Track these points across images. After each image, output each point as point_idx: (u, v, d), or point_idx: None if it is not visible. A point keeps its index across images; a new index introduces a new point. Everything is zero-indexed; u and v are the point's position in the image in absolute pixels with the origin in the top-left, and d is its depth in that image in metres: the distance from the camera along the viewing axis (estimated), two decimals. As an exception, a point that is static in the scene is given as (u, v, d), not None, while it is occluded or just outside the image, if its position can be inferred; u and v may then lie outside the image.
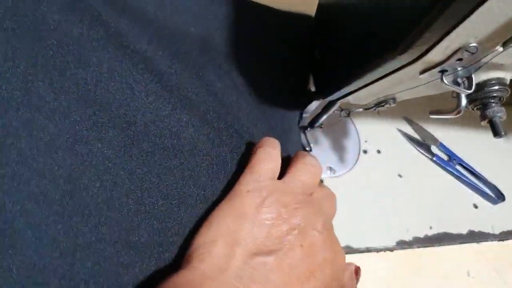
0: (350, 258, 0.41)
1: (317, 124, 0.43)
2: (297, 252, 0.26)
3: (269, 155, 0.29)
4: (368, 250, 0.43)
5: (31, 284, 0.22)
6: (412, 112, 0.55)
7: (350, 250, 0.42)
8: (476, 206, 0.52)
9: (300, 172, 0.30)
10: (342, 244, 0.41)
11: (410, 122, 0.54)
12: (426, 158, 0.53)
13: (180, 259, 0.26)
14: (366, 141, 0.50)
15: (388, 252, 0.44)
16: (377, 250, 0.44)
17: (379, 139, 0.51)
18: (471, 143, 0.57)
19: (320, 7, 0.36)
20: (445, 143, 0.54)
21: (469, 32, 0.23)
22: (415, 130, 0.54)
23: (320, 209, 0.29)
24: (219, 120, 0.30)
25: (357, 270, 0.32)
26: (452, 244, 0.48)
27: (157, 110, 0.27)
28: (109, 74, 0.26)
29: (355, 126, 0.50)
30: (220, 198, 0.28)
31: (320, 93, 0.36)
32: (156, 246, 0.26)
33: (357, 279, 0.32)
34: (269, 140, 0.30)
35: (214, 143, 0.30)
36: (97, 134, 0.25)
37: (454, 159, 0.54)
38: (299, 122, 0.45)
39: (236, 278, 0.23)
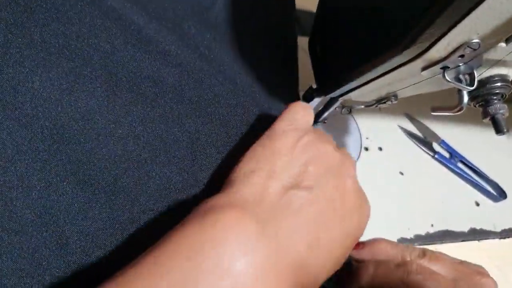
0: (351, 256, 0.42)
1: (319, 120, 0.43)
2: (331, 192, 0.27)
3: (305, 108, 0.30)
4: (369, 247, 0.43)
5: None
6: (414, 109, 0.55)
7: (351, 247, 0.42)
8: (477, 204, 0.51)
9: (325, 136, 0.31)
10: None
11: (411, 119, 0.54)
12: (427, 155, 0.52)
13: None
14: (367, 138, 0.50)
15: (389, 249, 0.44)
16: (379, 248, 0.43)
17: (380, 136, 0.51)
18: (472, 140, 0.56)
19: (321, 2, 0.36)
20: (446, 140, 0.54)
21: (472, 28, 0.22)
22: (417, 127, 0.54)
23: (351, 162, 0.31)
24: (201, 70, 0.31)
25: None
26: (453, 242, 0.47)
27: (137, 61, 0.28)
28: (89, 29, 0.27)
29: (356, 123, 0.50)
30: (207, 139, 0.30)
31: (322, 90, 0.36)
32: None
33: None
34: (303, 103, 0.32)
35: (195, 91, 0.30)
36: (81, 86, 0.26)
37: (456, 157, 0.53)
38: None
39: (270, 209, 0.25)
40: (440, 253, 0.37)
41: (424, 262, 0.34)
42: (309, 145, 0.28)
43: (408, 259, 0.35)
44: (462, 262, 0.36)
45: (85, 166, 0.25)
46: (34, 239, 0.23)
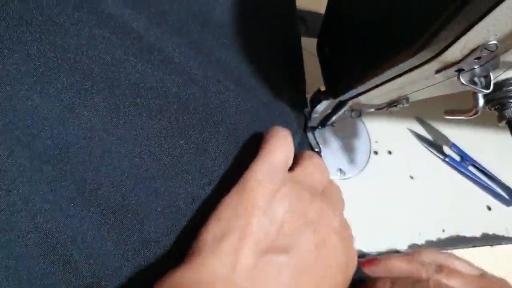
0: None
1: (328, 124, 0.42)
2: (311, 253, 0.24)
3: (283, 145, 0.27)
4: (379, 254, 0.42)
5: None
6: (424, 112, 0.54)
7: (360, 254, 0.41)
8: (489, 208, 0.50)
9: (310, 168, 0.29)
10: (353, 248, 0.40)
11: (421, 122, 0.53)
12: (438, 159, 0.51)
13: (181, 237, 0.25)
14: (376, 142, 0.49)
15: (399, 255, 0.43)
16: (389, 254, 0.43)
17: (390, 140, 0.50)
18: (484, 144, 0.55)
19: (330, 3, 0.35)
20: (457, 144, 0.53)
21: (489, 29, 0.21)
22: (427, 131, 0.53)
23: (334, 206, 0.28)
24: (205, 77, 0.30)
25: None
26: (465, 247, 0.46)
27: (139, 72, 0.27)
28: (88, 41, 0.26)
29: (365, 126, 0.49)
30: (215, 150, 0.28)
31: (331, 93, 0.35)
32: (151, 209, 0.25)
33: None
34: (281, 129, 0.28)
35: (201, 100, 0.29)
36: (82, 101, 0.25)
37: (467, 160, 0.52)
38: (307, 122, 0.44)
39: (247, 277, 0.22)
40: (457, 267, 0.36)
41: (442, 278, 0.33)
42: (287, 197, 0.25)
43: (425, 275, 0.33)
44: (482, 276, 0.35)
45: (91, 186, 0.24)
46: (41, 264, 0.22)
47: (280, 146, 0.27)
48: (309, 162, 0.29)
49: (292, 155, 0.28)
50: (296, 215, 0.25)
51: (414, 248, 0.43)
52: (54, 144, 0.24)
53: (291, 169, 0.29)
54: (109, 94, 0.26)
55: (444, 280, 0.33)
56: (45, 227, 0.23)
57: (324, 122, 0.43)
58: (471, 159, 0.53)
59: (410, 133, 0.52)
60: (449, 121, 0.54)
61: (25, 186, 0.23)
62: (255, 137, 0.30)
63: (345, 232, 0.28)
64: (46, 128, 0.24)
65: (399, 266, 0.34)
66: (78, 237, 0.23)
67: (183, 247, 0.24)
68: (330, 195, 0.29)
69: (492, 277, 0.35)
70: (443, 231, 0.46)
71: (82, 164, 0.24)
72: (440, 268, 0.34)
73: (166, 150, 0.27)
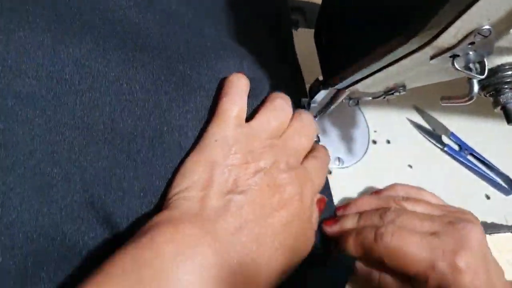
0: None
1: (326, 113, 0.42)
2: (264, 191, 0.28)
3: (233, 102, 0.30)
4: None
5: None
6: (423, 101, 0.54)
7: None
8: (488, 197, 0.51)
9: (266, 116, 0.32)
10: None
11: (420, 111, 0.53)
12: (436, 148, 0.52)
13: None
14: (375, 131, 0.49)
15: (398, 243, 0.43)
16: (387, 242, 0.43)
17: (388, 129, 0.50)
18: (482, 133, 0.55)
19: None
20: (456, 133, 0.53)
21: (482, 13, 0.22)
22: (426, 120, 0.53)
23: (288, 150, 0.32)
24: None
25: (320, 201, 0.34)
26: (463, 235, 0.47)
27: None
28: None
29: (364, 116, 0.50)
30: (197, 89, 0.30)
31: (329, 82, 0.35)
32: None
33: (320, 210, 0.34)
34: (233, 86, 0.31)
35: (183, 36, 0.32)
36: (70, 37, 0.27)
37: (466, 149, 0.53)
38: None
39: (213, 213, 0.26)
40: (424, 197, 0.39)
41: (408, 206, 0.36)
42: (241, 152, 0.29)
43: (392, 204, 0.36)
44: (446, 206, 0.38)
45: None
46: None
47: (231, 105, 0.30)
48: (267, 111, 0.32)
49: (244, 107, 0.31)
50: (249, 165, 0.29)
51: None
52: (47, 74, 0.26)
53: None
54: (95, 30, 0.28)
55: (410, 207, 0.35)
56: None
57: (322, 111, 0.43)
58: (470, 148, 0.53)
59: (408, 123, 0.52)
60: (448, 110, 0.54)
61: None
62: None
63: (297, 170, 0.31)
64: (34, 61, 0.25)
65: (369, 203, 0.38)
66: (76, 161, 0.26)
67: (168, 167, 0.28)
68: (288, 140, 0.32)
69: (458, 208, 0.37)
70: (442, 219, 0.46)
71: (76, 96, 0.26)
72: (406, 198, 0.37)
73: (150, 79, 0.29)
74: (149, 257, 0.22)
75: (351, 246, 0.34)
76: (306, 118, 0.34)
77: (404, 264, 0.32)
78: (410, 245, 0.32)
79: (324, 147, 0.36)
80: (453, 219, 0.34)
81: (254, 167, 0.29)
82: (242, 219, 0.26)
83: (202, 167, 0.28)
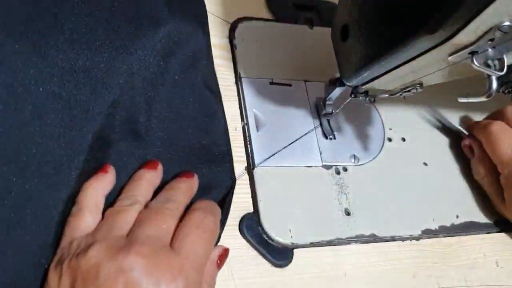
0: (375, 247, 0.41)
1: (338, 110, 0.43)
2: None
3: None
4: (393, 239, 0.42)
5: None
6: (438, 99, 0.54)
7: (375, 239, 0.42)
8: (503, 195, 0.50)
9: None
10: (367, 232, 0.41)
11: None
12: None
13: None
14: (390, 129, 0.49)
15: (413, 241, 0.43)
16: (403, 239, 0.43)
17: (403, 127, 0.50)
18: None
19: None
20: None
21: (503, 10, 0.22)
22: (441, 117, 0.53)
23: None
24: None
25: (221, 256, 0.32)
26: (479, 233, 0.47)
27: None
28: None
29: (379, 113, 0.50)
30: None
31: (345, 79, 0.35)
32: None
33: (220, 265, 0.32)
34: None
35: None
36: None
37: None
38: (321, 109, 0.45)
39: None
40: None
41: None
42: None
43: None
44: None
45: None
46: None
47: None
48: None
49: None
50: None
51: (428, 234, 0.44)
52: None
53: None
54: None
55: None
56: None
57: (337, 108, 0.43)
58: (486, 146, 0.52)
59: (424, 120, 0.52)
60: (463, 108, 0.54)
61: None
62: None
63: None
64: None
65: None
66: None
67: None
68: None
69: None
70: (457, 217, 0.46)
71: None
72: None
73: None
74: None
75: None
76: None
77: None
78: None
79: None
80: None
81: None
82: None
83: None
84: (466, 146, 0.50)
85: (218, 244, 0.34)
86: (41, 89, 0.30)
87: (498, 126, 0.45)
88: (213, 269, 0.31)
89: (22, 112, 0.29)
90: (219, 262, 0.32)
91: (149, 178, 0.33)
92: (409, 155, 0.49)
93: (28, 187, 0.29)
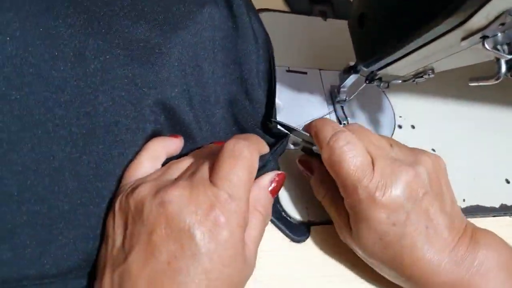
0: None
1: (352, 97, 0.45)
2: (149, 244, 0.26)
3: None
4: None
5: None
6: (446, 87, 0.56)
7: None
8: (508, 181, 0.52)
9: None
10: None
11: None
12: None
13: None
14: (400, 117, 0.51)
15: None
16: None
17: (413, 114, 0.52)
18: (504, 118, 0.57)
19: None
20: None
21: (513, -5, 0.24)
22: (449, 105, 0.55)
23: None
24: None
25: (274, 182, 0.32)
26: (485, 216, 0.49)
27: None
28: None
29: (389, 101, 0.52)
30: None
31: (362, 63, 0.37)
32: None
33: (273, 191, 0.32)
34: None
35: None
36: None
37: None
38: (335, 96, 0.47)
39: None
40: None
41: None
42: (122, 218, 0.28)
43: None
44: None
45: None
46: None
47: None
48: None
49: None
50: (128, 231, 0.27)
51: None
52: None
53: None
54: None
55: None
56: None
57: (351, 94, 0.45)
58: (491, 135, 0.54)
59: (433, 109, 0.54)
60: (471, 96, 0.56)
61: None
62: None
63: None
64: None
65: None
66: None
67: None
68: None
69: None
70: (464, 200, 0.48)
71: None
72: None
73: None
74: None
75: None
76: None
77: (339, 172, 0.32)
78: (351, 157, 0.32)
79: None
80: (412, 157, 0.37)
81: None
82: None
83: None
84: (301, 162, 0.40)
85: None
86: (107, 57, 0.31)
87: (343, 142, 0.32)
88: (264, 196, 0.31)
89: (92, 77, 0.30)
90: (272, 189, 0.31)
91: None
92: (418, 141, 0.50)
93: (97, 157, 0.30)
